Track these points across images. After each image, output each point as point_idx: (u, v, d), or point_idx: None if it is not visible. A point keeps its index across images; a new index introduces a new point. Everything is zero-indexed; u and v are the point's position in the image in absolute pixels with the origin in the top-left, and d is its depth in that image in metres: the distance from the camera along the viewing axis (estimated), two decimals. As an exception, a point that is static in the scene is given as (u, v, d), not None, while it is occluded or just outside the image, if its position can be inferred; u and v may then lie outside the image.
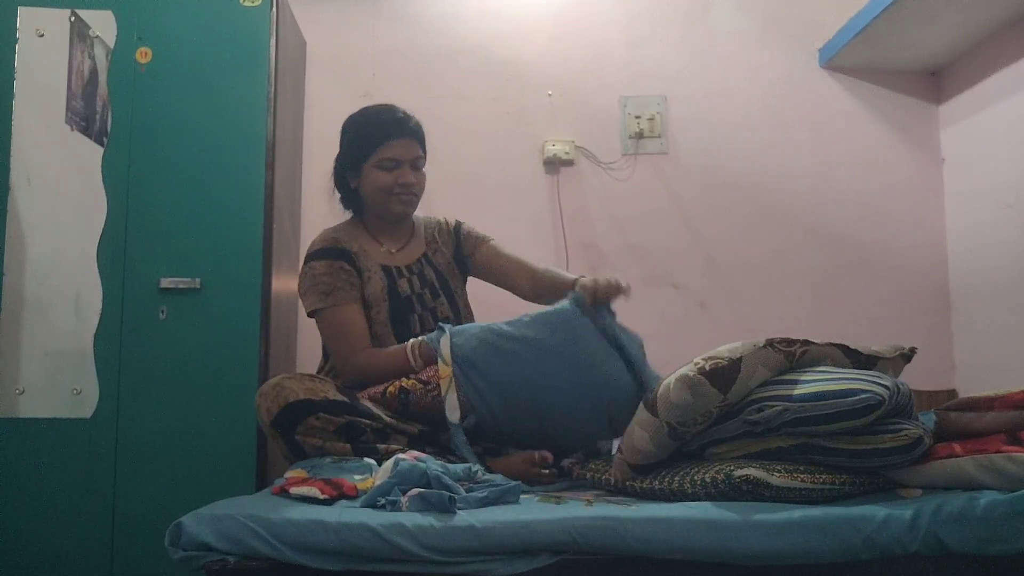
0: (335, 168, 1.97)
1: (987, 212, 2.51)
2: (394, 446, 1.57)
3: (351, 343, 1.79)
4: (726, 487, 1.24)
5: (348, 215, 2.01)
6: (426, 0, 2.77)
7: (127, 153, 2.17)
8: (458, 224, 2.08)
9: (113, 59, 2.20)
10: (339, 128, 1.96)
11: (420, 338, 1.74)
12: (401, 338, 1.82)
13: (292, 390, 1.57)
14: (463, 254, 2.03)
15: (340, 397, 1.60)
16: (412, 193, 1.90)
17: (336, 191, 1.99)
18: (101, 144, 2.17)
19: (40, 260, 2.11)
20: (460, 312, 1.96)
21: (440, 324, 1.73)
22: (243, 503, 1.24)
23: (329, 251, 1.86)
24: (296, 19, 2.53)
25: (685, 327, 2.66)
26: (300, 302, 1.90)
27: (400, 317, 1.85)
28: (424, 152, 1.92)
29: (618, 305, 1.70)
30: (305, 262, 1.88)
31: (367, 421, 1.58)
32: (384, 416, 1.62)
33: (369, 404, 1.64)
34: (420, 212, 2.04)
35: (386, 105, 1.93)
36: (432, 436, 1.65)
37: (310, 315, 1.85)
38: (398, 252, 1.94)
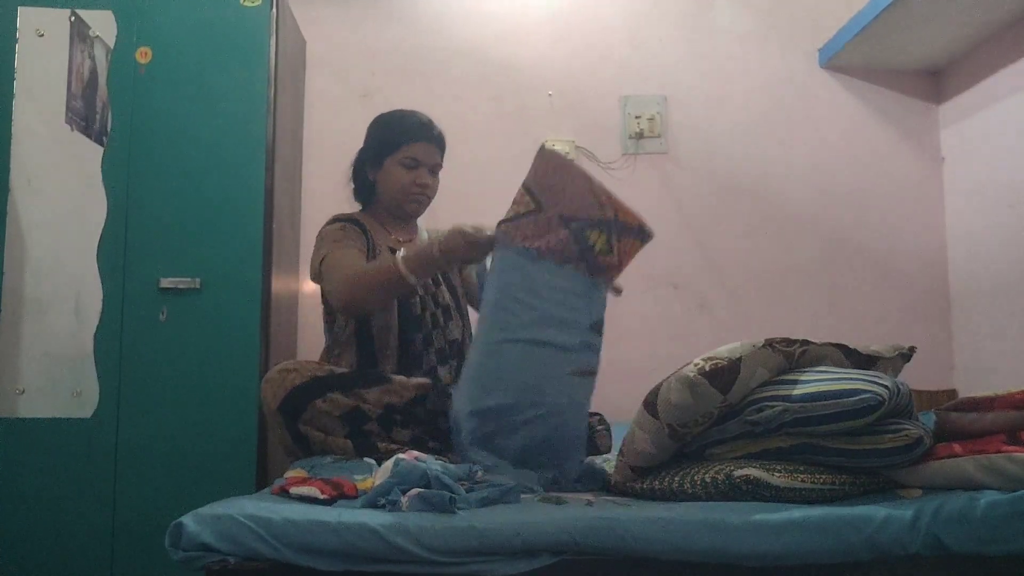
0: (356, 160, 2.00)
1: (987, 212, 2.51)
2: (394, 445, 1.58)
3: (346, 267, 1.74)
4: (726, 487, 1.24)
5: (356, 208, 2.03)
6: (426, 1, 2.76)
7: (127, 153, 2.17)
8: None
9: (113, 59, 2.20)
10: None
11: (404, 252, 1.68)
12: (404, 320, 1.86)
13: (298, 373, 1.60)
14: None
15: (345, 370, 1.66)
16: (426, 195, 1.96)
17: (352, 182, 2.01)
18: (101, 144, 2.17)
19: (40, 260, 2.11)
20: (460, 301, 2.01)
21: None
22: (243, 503, 1.24)
23: (345, 219, 1.90)
24: (296, 19, 2.53)
25: (685, 327, 2.67)
26: (312, 281, 1.88)
27: (402, 298, 1.88)
28: (442, 160, 1.98)
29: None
30: (320, 230, 1.89)
31: (370, 406, 1.60)
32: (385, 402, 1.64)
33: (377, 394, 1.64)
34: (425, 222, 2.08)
35: (414, 111, 1.99)
36: (436, 431, 1.65)
37: (318, 273, 1.80)
38: (404, 243, 1.98)
